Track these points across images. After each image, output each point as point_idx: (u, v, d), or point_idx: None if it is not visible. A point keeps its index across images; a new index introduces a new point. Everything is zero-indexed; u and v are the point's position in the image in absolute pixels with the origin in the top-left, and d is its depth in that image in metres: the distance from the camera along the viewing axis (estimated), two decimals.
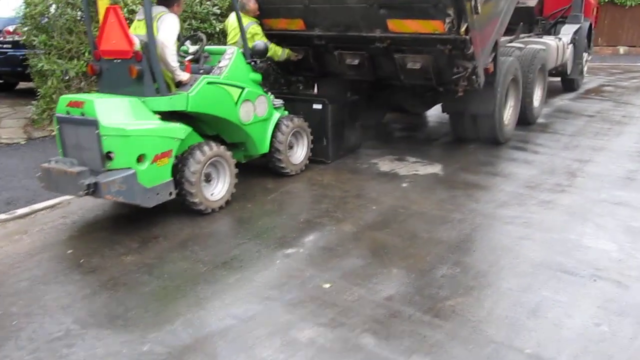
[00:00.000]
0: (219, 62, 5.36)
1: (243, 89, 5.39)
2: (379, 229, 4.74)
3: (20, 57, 8.19)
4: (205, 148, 4.99)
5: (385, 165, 6.57)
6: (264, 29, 6.89)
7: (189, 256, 4.29)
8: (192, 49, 5.55)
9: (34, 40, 7.29)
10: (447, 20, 5.58)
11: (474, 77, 6.13)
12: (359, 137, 7.16)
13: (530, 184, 5.88)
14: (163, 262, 4.20)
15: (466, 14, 5.58)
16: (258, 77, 5.62)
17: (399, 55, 6.29)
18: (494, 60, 6.69)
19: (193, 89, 4.95)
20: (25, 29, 7.46)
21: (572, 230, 4.71)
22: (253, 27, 6.38)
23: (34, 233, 4.78)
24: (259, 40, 5.78)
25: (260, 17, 6.76)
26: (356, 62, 6.65)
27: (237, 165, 5.78)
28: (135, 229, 4.79)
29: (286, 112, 6.29)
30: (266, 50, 5.58)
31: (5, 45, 8.78)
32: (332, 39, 6.61)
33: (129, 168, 4.44)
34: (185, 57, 5.45)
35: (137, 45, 4.68)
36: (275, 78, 8.20)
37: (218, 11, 8.37)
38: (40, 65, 7.27)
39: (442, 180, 6.05)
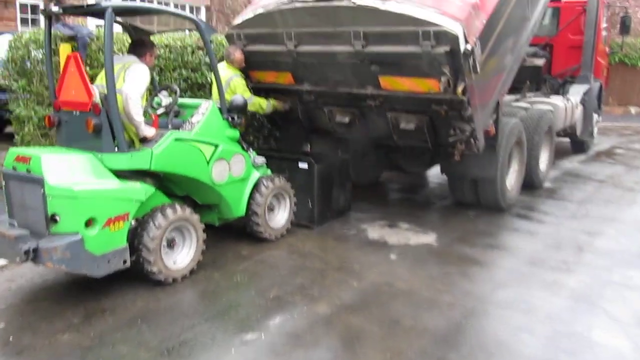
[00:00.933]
0: (192, 116, 4.94)
1: (217, 146, 4.94)
2: (356, 312, 4.16)
3: (3, 101, 7.87)
4: (168, 211, 4.49)
5: (374, 232, 6.03)
6: (251, 82, 6.54)
7: (132, 338, 3.73)
8: (165, 101, 5.14)
9: (13, 85, 6.96)
10: (443, 79, 5.15)
11: (472, 140, 5.66)
12: (349, 199, 6.65)
13: (533, 259, 5.30)
14: (101, 344, 3.64)
15: (463, 73, 5.15)
16: (235, 133, 5.18)
17: (392, 114, 5.85)
18: (496, 121, 6.23)
19: (158, 146, 4.50)
20: (6, 72, 7.15)
21: (579, 320, 4.11)
22: (235, 81, 6.01)
23: None
24: (238, 95, 5.36)
25: (247, 69, 6.41)
26: (347, 119, 6.22)
27: (211, 227, 5.32)
28: (83, 299, 4.26)
29: (268, 171, 5.83)
30: (245, 105, 5.16)
31: None
32: (322, 94, 6.21)
33: (76, 233, 3.95)
34: (157, 109, 5.03)
35: (97, 97, 4.27)
36: (269, 132, 7.82)
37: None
38: (17, 110, 6.92)
39: (435, 252, 5.48)
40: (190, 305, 4.22)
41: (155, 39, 6.70)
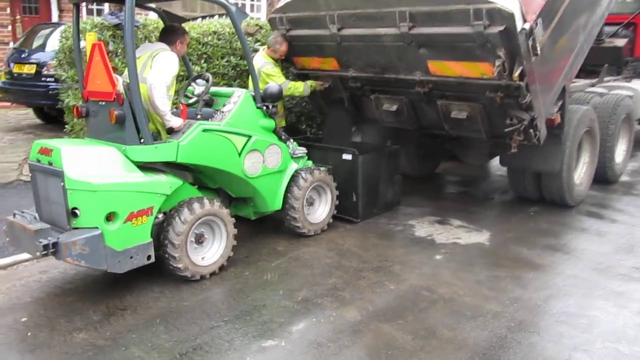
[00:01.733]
0: (223, 106, 4.71)
1: (249, 137, 4.69)
2: (389, 320, 3.80)
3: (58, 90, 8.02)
4: (196, 205, 4.30)
5: (422, 228, 5.60)
6: (295, 68, 6.26)
7: (148, 339, 3.56)
8: (199, 90, 4.94)
9: (63, 75, 7.03)
10: (497, 62, 4.62)
11: (531, 130, 5.09)
12: (399, 192, 6.24)
13: (600, 265, 4.71)
14: (115, 345, 3.50)
15: (521, 56, 4.61)
16: (270, 123, 4.91)
17: (443, 102, 5.38)
18: (562, 109, 5.60)
19: (185, 137, 4.30)
20: (55, 62, 7.24)
21: None
22: (268, 69, 5.75)
23: (2, 291, 4.25)
24: (272, 82, 5.08)
25: (291, 54, 6.13)
26: (394, 108, 5.80)
27: (249, 221, 5.12)
28: (108, 294, 4.15)
29: (309, 163, 5.53)
30: (279, 93, 4.87)
31: (48, 79, 8.71)
32: (368, 81, 5.82)
33: (95, 227, 3.82)
34: (190, 99, 4.85)
35: (120, 87, 4.12)
36: (322, 121, 7.49)
37: (260, 47, 7.82)
38: (67, 100, 6.99)
39: (486, 253, 5.00)
40: (214, 305, 4.01)
41: (187, 25, 6.57)
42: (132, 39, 3.98)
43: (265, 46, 6.11)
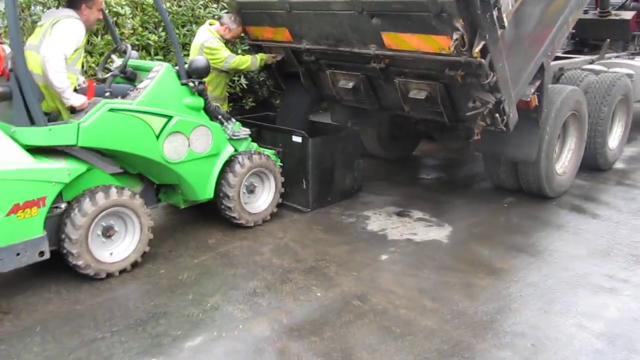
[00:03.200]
0: (141, 81, 4.15)
1: (170, 117, 4.13)
2: (302, 336, 3.28)
3: None
4: (99, 195, 3.79)
5: (377, 221, 5.04)
6: (249, 39, 5.66)
7: (16, 353, 3.10)
8: (117, 63, 4.38)
9: None
10: (455, 36, 3.98)
11: (497, 114, 4.45)
12: (359, 178, 5.66)
13: (568, 272, 4.13)
14: None
15: (483, 28, 3.96)
16: (199, 102, 4.34)
17: (401, 80, 4.75)
18: (540, 90, 4.94)
19: (87, 118, 3.76)
20: None
21: None
22: (212, 42, 5.20)
23: None
24: (198, 56, 4.49)
25: (245, 23, 5.53)
26: (351, 85, 5.18)
27: (186, 209, 4.65)
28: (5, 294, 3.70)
29: (254, 145, 4.98)
30: (207, 67, 4.28)
31: None
32: (323, 54, 5.19)
33: None
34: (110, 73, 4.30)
35: (8, 60, 3.58)
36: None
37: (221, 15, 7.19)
38: None
39: (441, 253, 4.43)
40: (108, 311, 3.53)
41: None
42: (14, 1, 3.42)
43: (210, 22, 5.53)
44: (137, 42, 6.62)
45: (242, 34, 5.73)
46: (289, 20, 5.10)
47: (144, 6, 6.64)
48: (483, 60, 4.05)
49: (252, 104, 7.83)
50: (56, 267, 3.89)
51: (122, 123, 3.90)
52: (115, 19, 6.47)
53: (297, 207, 5.22)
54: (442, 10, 3.93)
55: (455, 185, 6.18)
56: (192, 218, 5.00)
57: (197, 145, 4.34)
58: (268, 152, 5.10)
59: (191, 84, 4.26)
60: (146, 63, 4.46)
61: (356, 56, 4.86)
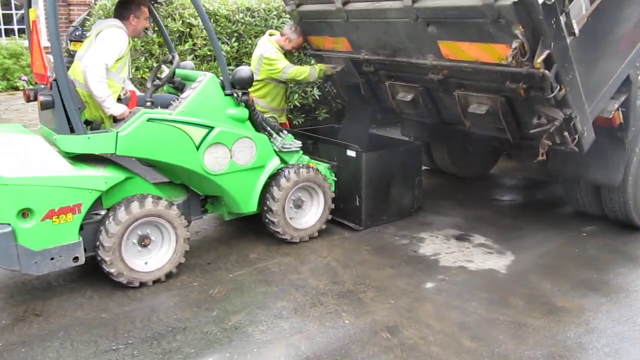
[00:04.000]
0: (183, 92, 4.14)
1: (211, 128, 4.08)
2: None
3: None
4: (134, 205, 3.80)
5: (432, 244, 4.67)
6: (311, 49, 5.54)
7: (33, 357, 3.13)
8: (166, 73, 4.40)
9: None
10: (514, 44, 3.57)
11: (566, 133, 3.94)
12: (420, 196, 5.31)
13: None
14: None
15: (546, 36, 3.52)
16: (242, 113, 4.25)
17: (460, 93, 4.37)
18: (626, 105, 4.34)
19: (125, 127, 3.79)
20: None
21: None
22: (270, 53, 5.13)
23: None
24: (243, 66, 4.40)
25: (306, 33, 5.42)
26: (410, 97, 4.86)
27: (237, 220, 4.65)
28: (36, 296, 3.81)
29: (305, 158, 4.82)
30: (251, 77, 4.18)
31: None
32: (382, 65, 4.93)
33: (6, 224, 3.45)
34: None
35: (51, 69, 3.69)
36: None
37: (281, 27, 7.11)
38: None
39: (496, 285, 3.98)
40: (132, 321, 3.49)
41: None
42: (55, 9, 3.51)
43: (270, 32, 5.46)
44: (209, 53, 6.74)
45: (305, 44, 5.60)
46: (347, 30, 4.90)
47: (216, 17, 6.74)
48: (547, 72, 3.60)
49: (326, 115, 7.70)
50: (97, 273, 3.94)
51: (160, 133, 3.89)
52: (188, 29, 6.64)
53: (349, 225, 4.97)
54: (500, 16, 3.55)
55: (530, 209, 5.62)
56: (239, 230, 4.93)
57: (239, 157, 4.25)
58: (321, 166, 4.92)
59: (235, 95, 4.18)
60: (195, 73, 4.45)
61: (414, 67, 4.55)
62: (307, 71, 5.24)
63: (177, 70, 4.56)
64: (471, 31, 3.86)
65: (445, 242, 4.71)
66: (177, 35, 6.56)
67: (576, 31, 3.64)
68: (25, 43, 10.83)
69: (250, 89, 5.43)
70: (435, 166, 6.64)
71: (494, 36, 3.72)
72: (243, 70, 4.17)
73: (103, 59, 3.75)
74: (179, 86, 4.40)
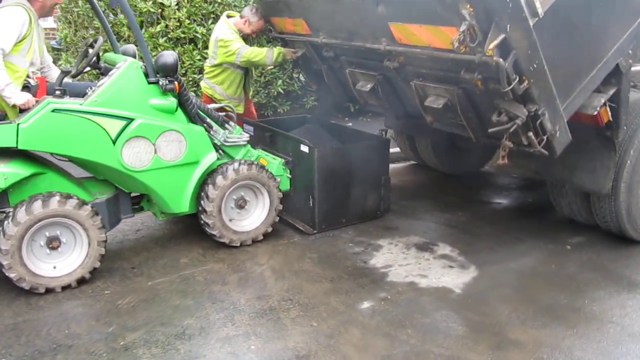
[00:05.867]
0: (100, 79, 3.73)
1: (130, 120, 3.66)
2: None
3: None
4: (36, 204, 3.43)
5: (388, 254, 4.14)
6: (275, 31, 5.04)
7: None
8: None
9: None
10: (462, 26, 2.99)
11: (530, 133, 3.32)
12: (386, 197, 4.77)
13: (621, 356, 2.95)
14: None
15: (502, 17, 2.93)
16: (169, 103, 3.80)
17: (417, 83, 3.80)
18: (615, 100, 3.69)
19: (27, 118, 3.41)
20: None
21: None
22: (226, 34, 4.69)
23: None
24: (167, 51, 3.93)
25: (268, 14, 4.92)
26: (368, 86, 4.32)
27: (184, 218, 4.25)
28: None
29: (253, 153, 4.38)
30: (175, 63, 3.71)
31: None
32: (341, 50, 4.40)
33: None
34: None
35: None
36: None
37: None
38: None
39: (444, 307, 3.43)
40: (17, 335, 3.13)
41: None
42: None
43: (228, 14, 5.00)
44: (183, 35, 6.34)
45: (270, 27, 5.10)
46: (303, 10, 4.39)
47: None
48: (501, 60, 3.00)
49: (315, 102, 7.21)
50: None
51: (68, 125, 3.49)
52: (160, 10, 6.23)
53: (301, 228, 4.49)
54: None
55: (516, 215, 5.00)
56: (184, 229, 4.53)
57: (165, 152, 3.82)
58: (276, 161, 4.45)
59: (161, 83, 3.74)
60: (122, 58, 4.02)
61: (371, 53, 4.00)
62: (264, 52, 4.75)
63: (109, 55, 4.16)
64: (419, 11, 3.29)
65: (404, 251, 4.18)
66: (147, 16, 6.17)
67: (540, 11, 3.01)
68: None
69: (207, 75, 5.09)
70: (422, 161, 6.07)
71: (443, 17, 3.14)
72: (166, 55, 3.71)
73: None
74: (104, 72, 3.99)
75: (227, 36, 4.75)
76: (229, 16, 4.96)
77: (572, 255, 4.14)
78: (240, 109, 5.10)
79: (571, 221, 4.62)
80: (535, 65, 3.14)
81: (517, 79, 3.10)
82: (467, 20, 2.95)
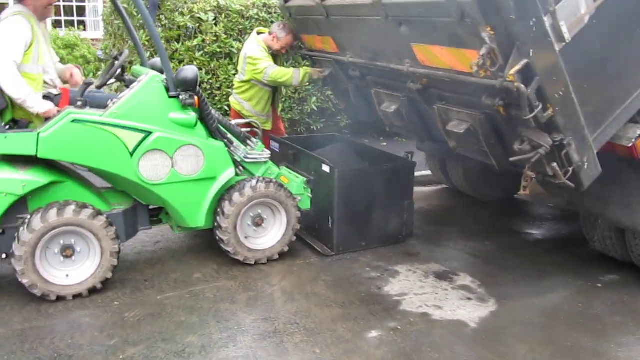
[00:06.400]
0: (121, 91, 3.77)
1: (148, 133, 3.68)
2: None
3: None
4: (51, 212, 3.48)
5: (404, 281, 4.00)
6: (305, 48, 5.03)
7: None
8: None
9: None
10: (483, 50, 2.86)
11: (554, 164, 3.14)
12: (409, 222, 4.62)
13: None
14: None
15: (524, 41, 2.79)
16: (189, 118, 3.80)
17: (440, 106, 3.68)
18: None
19: (47, 128, 3.48)
20: None
21: None
22: (255, 52, 4.74)
23: None
24: (188, 65, 3.93)
25: (298, 31, 4.92)
26: (392, 108, 4.22)
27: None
28: None
29: (274, 171, 4.35)
30: (195, 78, 3.71)
31: None
32: (367, 70, 4.33)
33: None
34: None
35: None
36: None
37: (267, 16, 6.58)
38: None
39: (456, 342, 3.26)
40: (21, 341, 3.15)
41: None
42: None
43: (258, 30, 5.02)
44: (219, 50, 6.40)
45: (300, 44, 5.09)
46: (330, 28, 4.35)
47: (228, 12, 6.38)
48: (522, 86, 2.86)
49: (349, 121, 7.14)
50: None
51: (87, 135, 3.54)
52: (197, 25, 6.32)
53: (319, 250, 4.40)
54: (464, 14, 2.86)
55: (547, 247, 4.76)
56: (203, 243, 4.53)
57: (183, 167, 3.82)
58: (298, 180, 4.40)
59: (181, 97, 3.75)
60: (147, 71, 4.07)
61: (395, 73, 3.91)
62: (290, 73, 4.73)
63: (136, 68, 4.22)
64: (441, 33, 3.18)
65: (421, 279, 4.02)
66: (184, 30, 6.27)
67: (567, 36, 2.86)
68: (82, 34, 11.13)
69: (236, 90, 5.11)
70: (453, 185, 5.89)
71: (464, 40, 3.03)
72: (187, 70, 3.72)
73: (8, 57, 3.41)
74: (128, 85, 4.04)
75: (255, 54, 4.76)
76: (259, 33, 4.97)
77: (603, 294, 3.88)
78: (268, 126, 5.10)
79: (606, 257, 4.35)
80: (561, 93, 2.97)
81: (541, 106, 2.94)
82: (487, 43, 2.82)
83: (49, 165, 3.72)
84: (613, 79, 3.18)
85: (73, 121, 3.51)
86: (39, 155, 3.50)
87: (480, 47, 2.89)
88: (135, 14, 5.96)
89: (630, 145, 3.41)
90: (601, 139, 3.26)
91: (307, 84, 5.18)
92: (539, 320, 3.54)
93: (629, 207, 3.72)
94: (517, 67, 2.83)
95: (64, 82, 4.01)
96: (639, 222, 3.70)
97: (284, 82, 4.78)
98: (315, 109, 6.88)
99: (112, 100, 3.70)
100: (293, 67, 5.40)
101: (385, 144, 7.25)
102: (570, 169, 3.17)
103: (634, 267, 4.12)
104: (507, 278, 4.09)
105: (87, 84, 3.71)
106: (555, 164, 3.13)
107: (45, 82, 3.72)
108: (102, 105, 3.71)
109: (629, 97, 3.26)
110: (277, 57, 5.02)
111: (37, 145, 3.47)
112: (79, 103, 3.63)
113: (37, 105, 3.52)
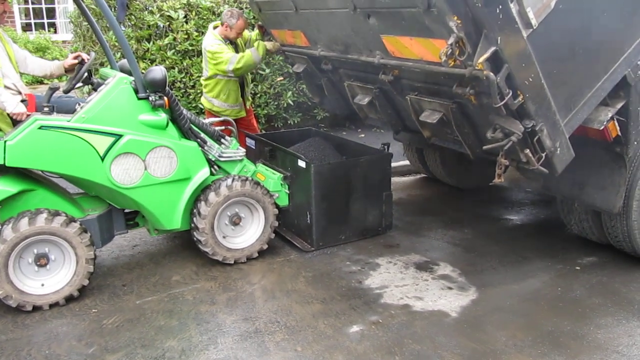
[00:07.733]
0: (89, 95, 3.70)
1: (119, 136, 3.61)
2: None
3: None
4: (23, 222, 3.41)
5: (385, 273, 3.99)
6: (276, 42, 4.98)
7: None
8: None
9: None
10: (450, 39, 2.85)
11: (527, 150, 3.15)
12: (388, 213, 4.61)
13: None
14: None
15: (491, 29, 2.78)
16: (159, 119, 3.74)
17: (412, 97, 3.66)
18: (624, 113, 3.48)
19: (14, 135, 3.41)
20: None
21: None
22: (213, 46, 4.67)
23: None
24: (155, 66, 3.86)
25: (269, 26, 4.87)
26: (366, 100, 4.20)
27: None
28: None
29: (250, 169, 4.30)
30: (164, 78, 3.65)
31: None
32: (339, 63, 4.30)
33: None
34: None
35: None
36: None
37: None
38: None
39: (437, 333, 3.26)
40: (4, 352, 3.09)
41: None
42: None
43: (214, 24, 4.97)
44: (191, 48, 6.32)
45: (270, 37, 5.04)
46: (300, 22, 4.31)
47: (199, 9, 6.30)
48: (491, 74, 2.85)
49: (327, 114, 7.11)
50: None
51: (55, 142, 3.47)
52: (168, 23, 6.24)
53: (299, 245, 4.38)
54: (430, 4, 2.84)
55: (526, 232, 4.78)
56: (180, 245, 4.48)
57: (156, 169, 3.77)
58: (275, 176, 4.36)
59: (151, 98, 3.69)
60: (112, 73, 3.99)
61: (367, 66, 3.89)
62: (249, 52, 4.73)
63: (104, 70, 4.15)
64: (408, 23, 3.16)
65: (402, 271, 4.02)
66: (155, 29, 6.18)
67: (534, 22, 2.85)
68: (53, 37, 10.94)
69: (205, 89, 5.06)
70: (431, 175, 5.89)
71: (431, 30, 3.01)
72: (155, 71, 3.66)
73: None
74: (96, 88, 3.97)
75: (213, 47, 4.72)
76: (215, 27, 4.91)
77: (581, 277, 3.92)
78: (243, 113, 5.07)
79: (584, 240, 4.39)
80: (530, 79, 2.97)
81: (511, 93, 2.94)
82: (455, 32, 2.81)
83: (19, 173, 3.65)
84: (582, 63, 3.19)
85: (40, 128, 3.43)
86: (6, 164, 3.42)
87: (448, 37, 2.88)
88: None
89: (602, 128, 3.44)
90: (573, 124, 3.27)
91: (268, 57, 5.09)
92: (519, 306, 3.56)
93: (603, 189, 3.75)
94: (486, 55, 2.82)
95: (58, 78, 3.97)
96: (613, 204, 3.72)
97: (248, 64, 4.70)
98: (291, 103, 6.83)
99: (79, 105, 3.63)
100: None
101: (363, 135, 7.24)
102: (543, 154, 3.18)
103: (612, 248, 4.16)
104: (486, 265, 4.11)
105: (53, 89, 3.63)
106: (528, 151, 3.14)
107: (6, 87, 3.63)
108: (70, 110, 3.65)
109: (598, 80, 3.28)
110: (239, 47, 4.96)
111: (4, 153, 3.39)
112: (46, 109, 3.55)
113: (8, 101, 3.45)
